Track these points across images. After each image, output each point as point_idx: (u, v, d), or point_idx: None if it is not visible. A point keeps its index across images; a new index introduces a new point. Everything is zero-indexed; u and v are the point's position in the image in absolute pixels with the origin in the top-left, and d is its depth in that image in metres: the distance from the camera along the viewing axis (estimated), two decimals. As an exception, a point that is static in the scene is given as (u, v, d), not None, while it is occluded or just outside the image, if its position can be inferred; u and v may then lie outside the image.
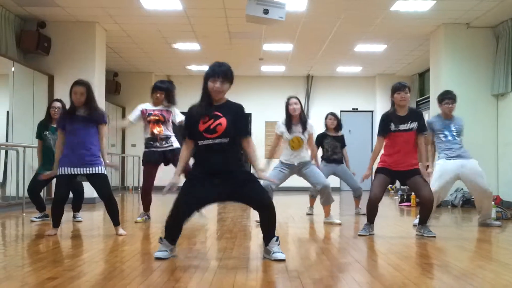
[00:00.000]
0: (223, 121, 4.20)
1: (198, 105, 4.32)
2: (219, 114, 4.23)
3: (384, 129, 5.89)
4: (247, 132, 4.43)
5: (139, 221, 7.08)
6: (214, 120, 4.21)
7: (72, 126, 5.66)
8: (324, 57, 13.82)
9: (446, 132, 6.72)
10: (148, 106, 7.10)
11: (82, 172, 5.63)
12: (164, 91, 7.00)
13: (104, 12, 9.97)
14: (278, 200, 7.02)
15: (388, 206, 10.44)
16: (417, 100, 14.69)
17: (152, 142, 7.04)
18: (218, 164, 4.21)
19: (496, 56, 10.35)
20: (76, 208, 7.28)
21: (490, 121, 10.34)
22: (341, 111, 16.32)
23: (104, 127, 5.82)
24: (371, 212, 5.96)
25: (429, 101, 11.86)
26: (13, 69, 9.65)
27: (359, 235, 5.88)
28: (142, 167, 15.39)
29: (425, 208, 5.84)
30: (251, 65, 14.81)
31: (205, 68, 14.09)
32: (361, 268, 4.10)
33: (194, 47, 12.71)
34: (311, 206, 8.39)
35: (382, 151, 6.09)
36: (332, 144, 8.37)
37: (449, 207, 10.15)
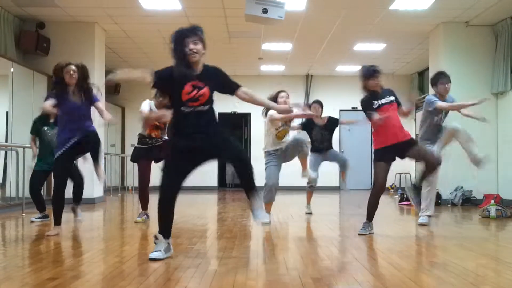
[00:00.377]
0: (206, 91, 4.28)
1: (179, 71, 4.33)
2: (200, 84, 4.28)
3: (370, 107, 5.96)
4: (237, 85, 4.52)
5: (138, 221, 7.06)
6: (197, 91, 4.26)
7: (66, 110, 5.76)
8: (324, 56, 13.82)
9: (439, 115, 6.80)
10: (153, 106, 7.05)
11: (77, 139, 5.71)
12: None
13: (103, 13, 9.97)
14: (277, 200, 7.02)
15: (388, 205, 10.44)
16: (417, 98, 14.71)
17: (143, 139, 7.05)
18: (197, 127, 4.27)
19: (496, 54, 10.35)
20: (76, 199, 7.19)
21: (490, 119, 10.30)
22: (341, 110, 16.31)
23: (100, 103, 5.99)
24: (372, 207, 5.95)
25: (428, 99, 11.85)
26: (12, 69, 9.65)
27: (359, 234, 5.88)
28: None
29: (430, 168, 5.94)
30: (250, 64, 14.80)
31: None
32: (361, 267, 4.10)
33: (194, 47, 12.68)
34: (308, 204, 8.38)
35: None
36: (319, 134, 8.29)
37: (449, 205, 10.15)
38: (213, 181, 16.40)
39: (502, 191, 9.95)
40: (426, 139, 6.80)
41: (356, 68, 15.38)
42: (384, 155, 5.88)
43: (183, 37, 4.31)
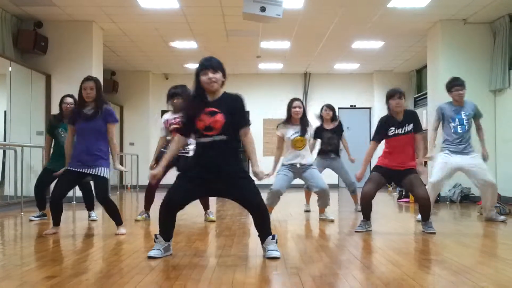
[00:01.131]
0: (220, 117, 4.14)
1: (191, 103, 4.30)
2: (215, 110, 4.17)
3: (380, 134, 5.96)
4: (246, 123, 4.33)
5: (139, 219, 7.06)
6: (210, 117, 4.15)
7: (80, 125, 5.65)
8: (322, 54, 13.82)
9: (456, 120, 6.79)
10: (169, 115, 6.98)
11: (86, 172, 5.61)
12: (180, 96, 6.89)
13: (101, 11, 9.96)
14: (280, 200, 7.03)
15: (386, 203, 10.45)
16: (415, 96, 14.71)
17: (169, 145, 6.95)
18: (215, 162, 4.18)
19: (494, 51, 10.35)
20: (89, 207, 7.27)
21: (488, 117, 10.31)
22: (339, 108, 16.30)
23: (113, 127, 5.76)
24: (365, 209, 5.97)
25: (426, 97, 11.86)
26: (10, 68, 9.64)
27: (356, 231, 5.89)
28: (141, 166, 15.40)
29: (423, 206, 5.84)
30: (248, 63, 14.80)
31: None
32: (360, 265, 4.11)
33: (191, 45, 12.70)
34: (307, 203, 8.40)
35: (381, 151, 6.11)
36: (326, 137, 8.31)
37: (447, 203, 10.16)
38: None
39: (501, 188, 9.92)
40: (443, 148, 6.84)
41: (354, 66, 15.44)
42: (383, 172, 5.93)
43: (201, 68, 4.22)
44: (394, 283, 3.44)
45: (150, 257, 4.25)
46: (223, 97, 4.29)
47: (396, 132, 5.84)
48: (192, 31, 11.39)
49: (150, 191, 7.10)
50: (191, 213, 7.84)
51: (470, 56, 10.51)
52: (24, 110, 10.18)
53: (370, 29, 11.28)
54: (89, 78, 5.75)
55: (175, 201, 4.27)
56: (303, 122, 6.95)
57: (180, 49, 13.10)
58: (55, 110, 10.36)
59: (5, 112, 9.95)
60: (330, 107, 8.43)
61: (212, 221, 6.98)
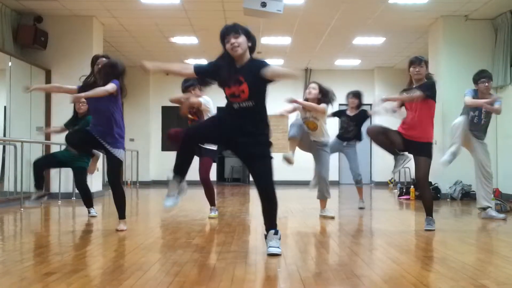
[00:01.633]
0: (244, 87, 4.15)
1: (222, 69, 4.26)
2: (241, 79, 4.17)
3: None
4: (268, 65, 4.27)
5: (212, 216, 6.90)
6: (238, 86, 4.16)
7: (94, 104, 5.65)
8: (323, 50, 13.79)
9: (476, 111, 6.85)
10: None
11: (103, 142, 5.57)
12: (195, 85, 6.84)
13: (101, 6, 9.94)
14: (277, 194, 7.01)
15: (387, 200, 10.44)
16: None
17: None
18: (240, 124, 4.22)
19: (495, 48, 10.32)
20: (88, 204, 7.24)
21: (492, 113, 10.30)
22: (340, 104, 16.29)
23: (110, 86, 5.60)
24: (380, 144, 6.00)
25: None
26: (10, 63, 9.62)
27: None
28: (141, 162, 15.43)
29: (422, 200, 5.84)
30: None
31: (203, 61, 14.08)
32: (360, 262, 4.09)
33: (192, 41, 12.67)
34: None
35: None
36: (345, 123, 8.24)
37: (448, 200, 10.15)
38: (212, 176, 16.36)
39: (502, 185, 9.94)
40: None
41: (355, 62, 15.40)
42: (403, 138, 5.85)
43: (224, 34, 4.24)
44: (394, 280, 3.43)
45: (167, 207, 4.31)
46: (250, 63, 4.27)
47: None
48: (193, 27, 11.37)
49: (207, 185, 6.94)
50: (191, 209, 7.83)
51: (472, 53, 10.48)
52: (24, 105, 10.17)
53: (371, 25, 11.25)
54: (101, 56, 6.05)
55: (196, 134, 4.35)
56: (322, 101, 6.77)
57: (180, 44, 13.08)
58: (55, 105, 10.39)
59: (4, 107, 9.94)
60: (355, 95, 8.33)
61: (212, 218, 6.92)
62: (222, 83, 4.26)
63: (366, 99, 16.34)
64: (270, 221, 4.32)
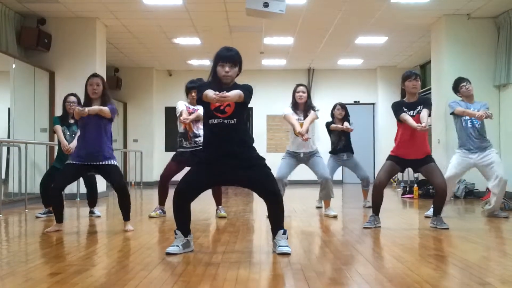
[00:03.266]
0: (232, 103, 4.21)
1: (207, 86, 4.29)
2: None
3: (399, 112, 5.89)
4: (245, 93, 4.28)
5: (153, 215, 7.02)
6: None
7: (83, 120, 5.66)
8: (325, 50, 13.79)
9: (469, 119, 6.81)
10: (187, 104, 7.02)
11: (92, 164, 5.64)
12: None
13: (104, 8, 9.96)
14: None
15: (391, 198, 10.44)
16: (419, 92, 14.66)
17: (183, 140, 6.94)
18: (227, 144, 4.24)
19: (498, 47, 10.31)
20: (92, 203, 7.27)
21: (492, 112, 10.23)
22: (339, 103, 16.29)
23: (109, 110, 5.69)
24: (376, 200, 5.96)
25: (430, 92, 11.83)
26: (13, 66, 9.65)
27: (364, 227, 5.88)
28: (145, 162, 15.44)
29: (439, 196, 5.88)
30: (252, 59, 14.77)
31: (206, 62, 14.09)
32: (364, 261, 4.10)
33: (195, 42, 12.69)
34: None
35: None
36: (337, 135, 8.29)
37: (451, 198, 10.13)
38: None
39: (505, 184, 9.92)
40: (460, 145, 6.87)
41: (358, 62, 15.40)
42: (398, 161, 5.92)
43: (220, 59, 4.31)
44: (398, 279, 3.44)
45: (168, 253, 4.26)
46: (235, 86, 4.36)
47: (410, 114, 5.81)
48: (195, 27, 11.38)
49: (163, 185, 7.09)
50: (195, 208, 7.82)
51: (474, 51, 10.47)
52: (28, 107, 10.19)
53: (374, 25, 11.25)
54: (95, 75, 5.83)
55: (185, 191, 4.30)
56: (306, 107, 6.95)
57: (183, 45, 13.09)
58: (58, 107, 10.38)
59: (9, 109, 9.97)
60: (343, 106, 8.36)
61: (223, 217, 6.96)
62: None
63: (368, 99, 16.48)
64: (279, 222, 4.37)
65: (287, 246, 4.29)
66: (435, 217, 5.91)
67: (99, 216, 7.14)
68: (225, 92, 4.04)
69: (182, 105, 6.98)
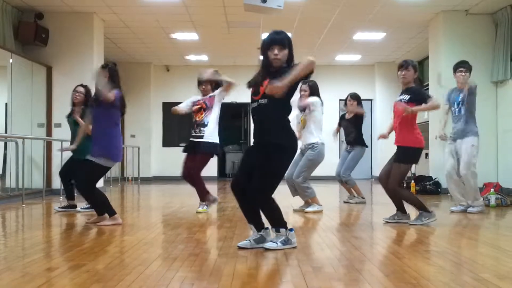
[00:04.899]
0: (266, 82, 4.16)
1: (254, 76, 4.32)
2: (266, 81, 4.19)
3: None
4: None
5: (200, 211, 6.96)
6: (261, 86, 4.21)
7: (93, 113, 5.81)
8: (323, 46, 13.78)
9: (456, 104, 6.96)
10: (197, 97, 7.11)
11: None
12: (209, 82, 6.92)
13: (102, 3, 9.93)
14: (279, 189, 7.03)
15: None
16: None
17: (191, 129, 6.98)
18: (261, 125, 4.28)
19: (495, 43, 10.31)
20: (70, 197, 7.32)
21: (490, 108, 10.32)
22: (340, 100, 16.27)
23: (111, 93, 5.65)
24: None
25: (428, 88, 11.83)
26: (11, 60, 9.63)
27: (411, 224, 5.79)
28: (142, 158, 15.43)
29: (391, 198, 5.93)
30: (249, 54, 14.74)
31: (204, 57, 14.06)
32: (361, 256, 4.11)
33: (193, 37, 12.67)
34: (350, 194, 8.52)
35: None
36: (345, 126, 8.43)
37: (449, 194, 10.13)
38: (213, 171, 16.39)
39: (502, 180, 9.94)
40: (453, 138, 7.03)
41: (356, 58, 15.40)
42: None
43: (270, 42, 4.25)
44: (395, 274, 3.44)
45: (239, 247, 4.26)
46: (281, 70, 4.24)
47: (396, 100, 5.91)
48: (193, 23, 11.37)
49: (192, 181, 7.04)
50: (192, 204, 7.84)
51: (472, 48, 10.46)
52: (25, 102, 10.18)
53: (372, 21, 11.24)
54: (103, 66, 5.93)
55: (236, 182, 4.33)
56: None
57: (181, 40, 13.07)
58: (56, 102, 10.40)
59: (6, 104, 9.95)
60: (354, 97, 8.40)
61: (200, 213, 6.94)
62: (251, 85, 4.34)
63: (366, 95, 16.46)
64: (270, 220, 4.38)
65: (272, 242, 4.27)
66: (401, 212, 5.93)
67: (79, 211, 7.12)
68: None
69: (190, 98, 7.12)
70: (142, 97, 16.14)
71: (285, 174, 6.71)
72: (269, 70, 4.25)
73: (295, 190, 7.10)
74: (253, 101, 4.28)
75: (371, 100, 16.58)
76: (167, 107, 16.18)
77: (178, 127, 15.64)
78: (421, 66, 15.10)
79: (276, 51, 4.20)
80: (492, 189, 8.21)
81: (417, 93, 5.81)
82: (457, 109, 6.97)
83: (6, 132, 9.70)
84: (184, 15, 10.76)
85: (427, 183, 10.34)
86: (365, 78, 16.51)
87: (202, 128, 6.90)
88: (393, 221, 5.84)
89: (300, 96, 7.05)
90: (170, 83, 16.28)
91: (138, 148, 15.23)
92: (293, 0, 9.64)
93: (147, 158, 15.89)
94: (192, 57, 15.15)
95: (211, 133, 6.91)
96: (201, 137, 6.89)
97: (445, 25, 10.55)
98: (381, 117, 15.71)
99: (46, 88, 10.50)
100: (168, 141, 16.26)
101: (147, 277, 3.33)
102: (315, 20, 11.21)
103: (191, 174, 6.93)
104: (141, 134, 16.08)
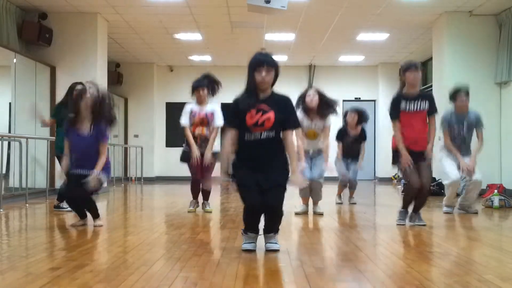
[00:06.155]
0: (271, 115, 4.11)
1: (243, 98, 4.21)
2: (266, 107, 4.14)
3: (396, 111, 5.76)
4: (296, 125, 4.33)
5: (191, 210, 7.05)
6: (262, 114, 4.11)
7: (76, 138, 5.53)
8: (327, 47, 13.78)
9: (459, 127, 6.84)
10: (194, 106, 6.98)
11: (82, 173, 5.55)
12: (206, 86, 6.90)
13: (105, 3, 9.95)
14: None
15: (390, 195, 10.44)
16: (420, 89, 14.67)
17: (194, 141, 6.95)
18: (263, 158, 4.14)
19: (499, 44, 10.30)
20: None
21: (493, 109, 10.30)
22: (344, 101, 16.27)
23: (104, 146, 5.60)
24: (408, 200, 5.90)
25: (431, 89, 11.82)
26: (15, 60, 9.65)
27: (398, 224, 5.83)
28: (145, 158, 15.41)
29: (421, 195, 5.74)
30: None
31: (207, 58, 14.10)
32: (364, 257, 4.11)
33: (196, 37, 12.68)
34: (339, 195, 8.51)
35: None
36: (350, 143, 8.25)
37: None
38: (216, 172, 16.40)
39: (505, 181, 9.93)
40: (447, 151, 6.89)
41: (359, 58, 15.39)
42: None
43: (257, 64, 4.17)
44: (397, 275, 3.44)
45: (245, 250, 4.22)
46: (273, 96, 4.23)
47: (408, 107, 5.69)
48: (197, 23, 11.37)
49: (194, 184, 7.09)
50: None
51: (476, 49, 10.46)
52: (28, 101, 10.18)
53: (375, 21, 11.23)
54: (79, 83, 5.75)
55: (256, 204, 4.15)
56: (321, 112, 6.76)
57: (184, 41, 13.08)
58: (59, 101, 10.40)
59: (10, 104, 9.97)
60: (354, 111, 8.27)
61: (209, 212, 6.98)
62: (244, 111, 4.14)
63: (370, 96, 16.46)
64: (274, 228, 4.33)
65: (276, 243, 4.27)
66: (415, 213, 5.86)
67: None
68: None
69: (187, 110, 6.97)
70: (145, 97, 16.16)
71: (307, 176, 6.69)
72: (256, 93, 4.18)
73: (310, 191, 6.99)
74: (251, 132, 4.13)
75: (374, 101, 16.57)
76: (171, 107, 16.23)
77: (181, 127, 15.63)
78: (425, 67, 15.09)
79: (264, 73, 4.12)
80: (495, 191, 8.19)
81: (434, 102, 5.80)
82: (462, 132, 6.89)
83: (10, 131, 9.71)
84: (187, 15, 10.77)
85: (431, 184, 10.31)
86: (369, 79, 16.50)
87: (206, 143, 6.87)
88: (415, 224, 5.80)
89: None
90: (173, 83, 16.29)
91: (142, 148, 15.25)
92: (297, 1, 9.64)
93: (150, 158, 15.90)
94: (195, 57, 15.16)
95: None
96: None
97: (449, 26, 10.54)
98: (384, 118, 15.68)
99: (49, 88, 10.51)
100: (171, 141, 16.26)
101: (150, 277, 3.33)
102: (318, 20, 11.21)
103: (208, 180, 6.97)
104: (144, 134, 16.09)
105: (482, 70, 10.38)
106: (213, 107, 6.94)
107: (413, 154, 5.68)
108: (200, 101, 6.91)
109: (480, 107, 7.17)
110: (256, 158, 4.14)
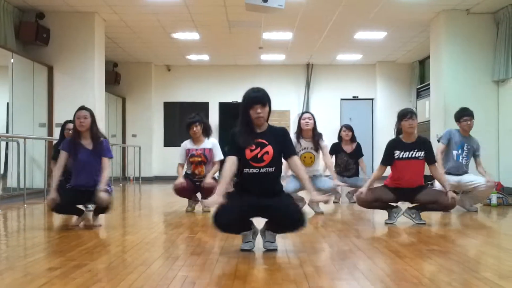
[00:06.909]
0: (269, 149, 4.14)
1: (240, 133, 4.20)
2: (264, 142, 4.16)
3: (388, 158, 5.78)
4: (294, 152, 4.36)
5: (190, 210, 7.07)
6: (260, 149, 4.14)
7: (77, 157, 5.57)
8: (324, 45, 13.77)
9: (460, 150, 6.88)
10: (189, 144, 7.02)
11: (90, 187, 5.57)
12: (199, 122, 6.92)
13: (103, 2, 9.93)
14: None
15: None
16: (418, 87, 14.66)
17: (191, 177, 6.99)
18: (262, 192, 4.16)
19: (497, 42, 10.30)
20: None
21: (491, 107, 10.32)
22: (342, 99, 16.29)
23: (108, 161, 5.72)
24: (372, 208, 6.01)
25: (429, 88, 11.83)
26: (12, 60, 9.63)
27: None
28: (143, 157, 15.40)
29: (446, 210, 5.91)
30: (251, 54, 14.77)
31: (205, 57, 14.08)
32: (362, 255, 4.11)
33: (194, 37, 12.67)
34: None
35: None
36: (345, 161, 8.29)
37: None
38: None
39: (503, 179, 9.94)
40: (447, 171, 6.84)
41: (357, 57, 15.39)
42: (393, 190, 5.81)
43: (251, 102, 4.14)
44: (396, 273, 3.44)
45: (243, 250, 4.23)
46: (270, 130, 4.26)
47: (402, 155, 5.70)
48: (194, 22, 11.36)
49: (182, 193, 7.10)
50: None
51: (473, 47, 10.46)
52: (26, 102, 10.18)
53: (373, 20, 11.24)
54: (83, 108, 5.68)
55: (222, 228, 4.20)
56: (314, 135, 6.89)
57: (182, 40, 13.07)
58: (57, 101, 10.41)
59: (7, 104, 9.96)
60: (348, 128, 8.34)
61: (208, 211, 6.98)
62: (242, 147, 4.16)
63: (367, 94, 16.46)
64: (282, 232, 4.41)
65: (274, 242, 4.29)
66: (415, 210, 5.86)
67: (91, 211, 7.08)
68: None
69: (183, 149, 7.02)
70: (143, 96, 16.14)
71: (287, 189, 6.68)
72: (253, 127, 4.20)
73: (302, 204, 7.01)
74: (250, 166, 4.14)
75: (372, 99, 16.58)
76: (168, 106, 16.23)
77: (179, 127, 15.63)
78: (422, 65, 15.12)
79: (259, 110, 4.13)
80: (493, 189, 8.19)
81: (431, 150, 5.81)
82: (462, 155, 6.92)
83: (7, 132, 9.71)
84: (185, 15, 10.76)
85: (428, 182, 10.29)
86: (366, 77, 16.50)
87: (201, 180, 6.91)
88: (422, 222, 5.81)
89: (305, 125, 6.89)
90: (171, 82, 16.28)
91: (140, 148, 15.24)
92: (294, 0, 9.63)
93: (148, 158, 15.89)
94: (193, 57, 15.15)
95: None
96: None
97: (446, 24, 10.54)
98: (381, 117, 15.72)
99: (47, 88, 10.50)
100: (169, 141, 16.24)
101: (148, 277, 3.33)
102: (316, 19, 11.21)
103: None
104: (142, 133, 16.08)
105: (480, 68, 10.39)
106: (212, 141, 7.04)
107: (413, 190, 5.74)
108: (195, 138, 6.97)
109: (478, 105, 7.19)
110: (254, 191, 4.16)
